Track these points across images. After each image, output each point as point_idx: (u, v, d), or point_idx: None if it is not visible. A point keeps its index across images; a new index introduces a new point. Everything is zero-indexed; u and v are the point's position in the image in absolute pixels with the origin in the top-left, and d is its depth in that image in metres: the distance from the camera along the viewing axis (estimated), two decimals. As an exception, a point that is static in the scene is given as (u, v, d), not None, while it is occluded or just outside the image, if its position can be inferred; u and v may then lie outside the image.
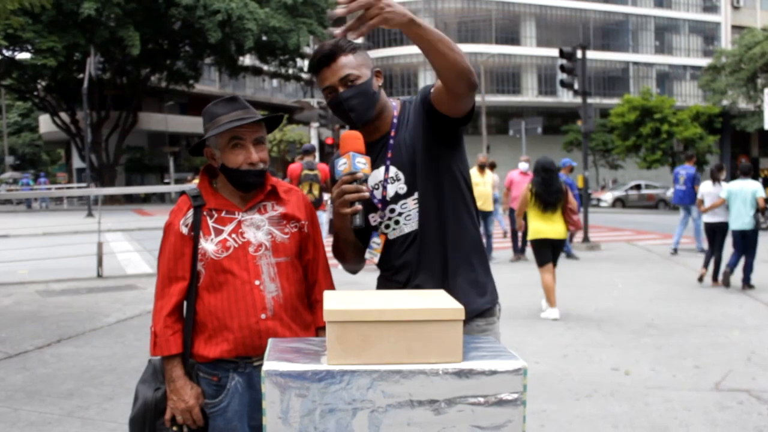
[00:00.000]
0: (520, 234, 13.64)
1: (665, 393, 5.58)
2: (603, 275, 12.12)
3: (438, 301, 1.96)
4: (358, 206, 2.31)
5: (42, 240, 16.19)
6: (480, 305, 2.55)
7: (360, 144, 2.35)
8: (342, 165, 2.32)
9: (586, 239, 16.58)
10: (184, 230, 2.54)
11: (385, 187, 2.52)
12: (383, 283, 2.64)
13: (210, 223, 2.53)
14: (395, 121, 2.57)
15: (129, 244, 16.46)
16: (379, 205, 2.54)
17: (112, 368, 6.27)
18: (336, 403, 1.80)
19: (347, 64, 2.45)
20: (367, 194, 2.31)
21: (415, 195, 2.50)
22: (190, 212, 2.55)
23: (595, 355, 6.79)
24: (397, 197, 2.51)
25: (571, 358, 6.66)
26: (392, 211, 2.53)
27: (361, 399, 1.80)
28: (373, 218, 2.55)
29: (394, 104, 2.62)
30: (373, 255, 2.55)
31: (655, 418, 5.04)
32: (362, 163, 2.32)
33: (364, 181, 2.33)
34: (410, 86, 51.15)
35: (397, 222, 2.53)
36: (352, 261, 2.66)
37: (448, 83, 2.29)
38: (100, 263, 11.74)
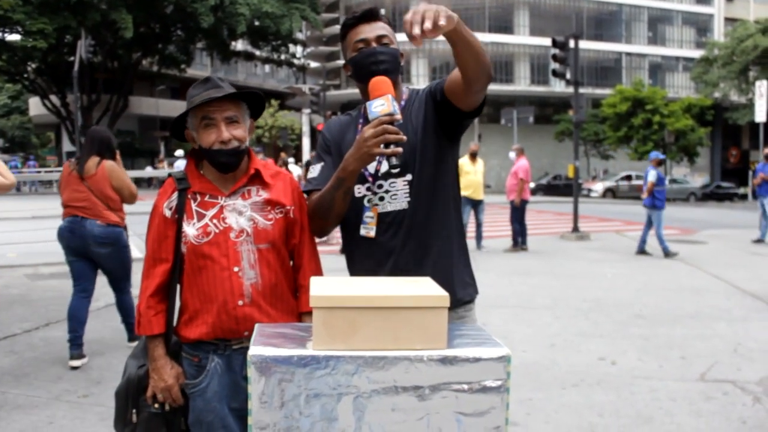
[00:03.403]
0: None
1: (651, 383, 5.62)
2: (592, 266, 12.18)
3: (424, 288, 1.97)
4: (398, 149, 2.30)
5: (31, 223, 16.12)
6: (462, 296, 2.63)
7: (392, 89, 2.37)
8: (379, 106, 2.29)
9: (575, 229, 16.63)
10: (168, 213, 2.55)
11: (380, 162, 2.56)
12: (361, 258, 2.65)
13: (193, 206, 2.53)
14: (402, 104, 2.64)
15: (119, 228, 16.38)
16: (370, 179, 2.58)
17: (100, 352, 6.27)
18: (321, 389, 1.80)
19: (385, 28, 2.60)
20: (404, 138, 2.31)
21: (407, 177, 2.55)
22: (175, 195, 2.56)
23: (583, 344, 6.82)
24: (388, 174, 2.54)
25: (559, 348, 6.70)
26: (380, 187, 2.57)
27: (346, 384, 1.81)
28: (359, 190, 2.58)
29: (404, 89, 2.70)
30: (369, 229, 2.56)
31: (640, 407, 5.08)
32: (398, 108, 2.33)
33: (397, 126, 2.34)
34: (402, 74, 50.98)
35: (381, 198, 2.56)
36: (336, 217, 2.57)
37: (473, 79, 2.34)
38: (89, 247, 11.69)
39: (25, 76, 43.85)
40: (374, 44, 2.54)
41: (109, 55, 41.62)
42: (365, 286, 2.01)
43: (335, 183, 2.47)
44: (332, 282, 2.06)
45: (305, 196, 2.69)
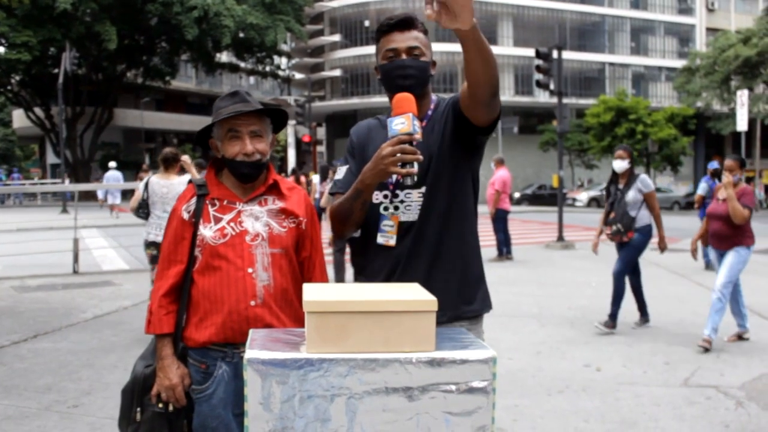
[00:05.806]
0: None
1: (635, 389, 5.70)
2: (577, 274, 12.26)
3: (412, 293, 2.04)
4: (414, 169, 2.30)
5: (16, 236, 16.06)
6: (464, 311, 2.64)
7: (415, 107, 2.35)
8: (400, 124, 2.30)
9: (560, 238, 16.73)
10: (185, 216, 2.64)
11: None
12: (371, 266, 2.64)
13: (211, 211, 2.63)
14: (429, 113, 2.64)
15: (105, 240, 16.37)
16: (390, 186, 2.58)
17: (89, 363, 6.29)
18: (315, 390, 1.86)
19: (419, 38, 2.59)
20: (420, 158, 2.31)
21: (422, 189, 2.55)
22: (194, 200, 2.66)
23: (568, 352, 6.90)
24: (404, 185, 2.52)
25: (545, 355, 6.77)
26: (396, 196, 2.58)
27: (338, 386, 1.87)
28: (376, 197, 2.58)
29: (433, 98, 2.69)
30: (387, 237, 2.57)
31: (625, 413, 5.15)
32: (418, 126, 2.32)
33: (415, 146, 2.32)
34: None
35: (396, 208, 2.57)
36: (354, 224, 2.59)
37: (477, 89, 2.30)
38: (76, 259, 11.71)
39: (9, 88, 43.66)
40: (404, 55, 2.54)
41: (94, 67, 41.57)
42: (356, 291, 2.08)
43: (353, 193, 2.49)
44: (324, 288, 2.13)
45: (331, 197, 2.75)
